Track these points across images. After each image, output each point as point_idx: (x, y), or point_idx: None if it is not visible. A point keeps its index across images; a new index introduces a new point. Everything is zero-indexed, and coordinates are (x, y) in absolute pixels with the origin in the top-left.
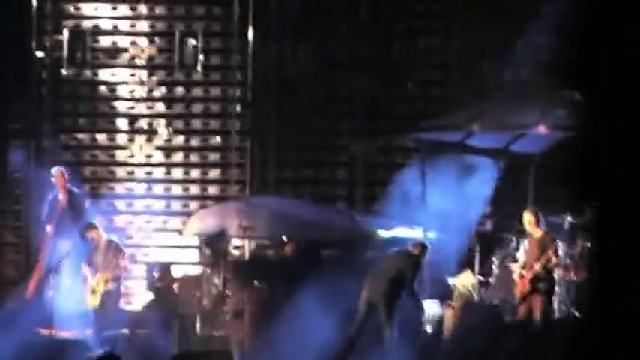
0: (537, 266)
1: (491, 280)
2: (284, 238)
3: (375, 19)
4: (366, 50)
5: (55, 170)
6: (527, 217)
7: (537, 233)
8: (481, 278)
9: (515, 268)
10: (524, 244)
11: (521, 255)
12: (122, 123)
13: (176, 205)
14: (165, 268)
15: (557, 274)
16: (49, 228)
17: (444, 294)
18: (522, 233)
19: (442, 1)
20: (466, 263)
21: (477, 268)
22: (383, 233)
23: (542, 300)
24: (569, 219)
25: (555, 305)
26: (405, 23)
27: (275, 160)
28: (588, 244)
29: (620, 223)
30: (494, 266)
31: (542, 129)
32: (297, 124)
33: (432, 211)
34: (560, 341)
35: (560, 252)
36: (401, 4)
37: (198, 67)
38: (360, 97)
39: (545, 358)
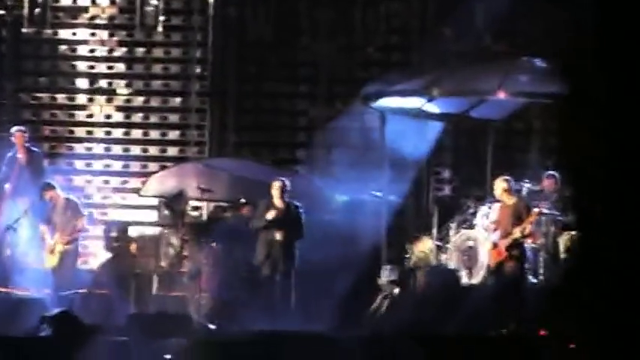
0: (515, 234)
1: (449, 245)
2: (242, 200)
3: None
4: (326, 15)
5: (14, 129)
6: (501, 185)
7: (510, 201)
8: (439, 243)
9: (484, 235)
10: (494, 211)
11: (488, 222)
12: (82, 82)
13: (135, 166)
14: (123, 228)
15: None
16: (6, 186)
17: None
18: (480, 199)
19: None
20: (423, 228)
21: (434, 233)
22: (341, 196)
23: (517, 266)
24: (528, 185)
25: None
26: None
27: (234, 123)
28: (546, 211)
29: (580, 189)
30: (451, 232)
31: (501, 95)
32: (256, 87)
33: (390, 175)
34: (533, 305)
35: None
36: None
37: (159, 28)
38: (320, 62)
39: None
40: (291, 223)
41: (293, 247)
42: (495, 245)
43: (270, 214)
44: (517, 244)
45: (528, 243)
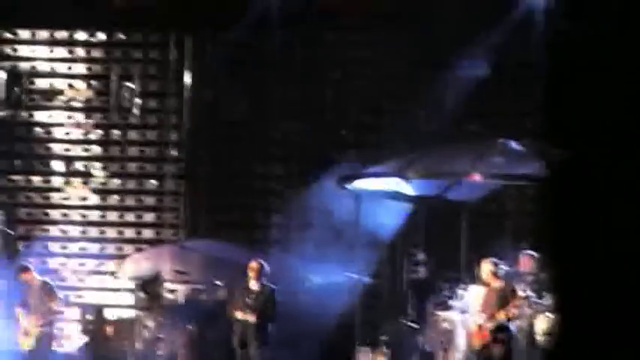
0: (501, 316)
1: (424, 326)
2: (217, 282)
3: (308, 64)
4: (299, 95)
5: None
6: (487, 268)
7: (496, 283)
8: (414, 325)
9: (461, 317)
10: (479, 293)
11: (472, 304)
12: (58, 165)
13: (111, 248)
14: (98, 310)
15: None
16: None
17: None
18: (455, 281)
19: (374, 47)
20: (398, 309)
21: (409, 314)
22: (316, 278)
23: (503, 350)
24: (502, 267)
25: None
26: (338, 69)
27: (209, 204)
28: (524, 293)
29: (558, 272)
30: (427, 314)
31: (476, 177)
32: (231, 169)
33: (365, 255)
34: None
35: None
36: (334, 50)
37: (135, 111)
38: (294, 142)
39: None
40: (265, 305)
41: (266, 330)
42: (480, 327)
43: (246, 297)
44: (502, 327)
45: (514, 326)
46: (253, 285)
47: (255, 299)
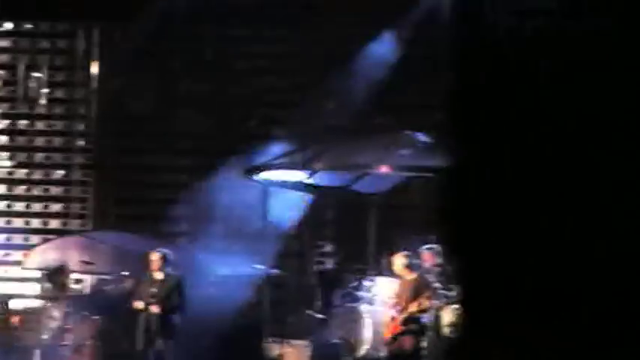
0: (413, 308)
1: (331, 318)
2: (124, 273)
3: (217, 57)
4: (208, 88)
5: None
6: (400, 261)
7: (409, 276)
8: (321, 317)
9: (368, 309)
10: (392, 286)
11: (384, 297)
12: None
13: (17, 238)
14: (4, 301)
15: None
16: None
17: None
18: (362, 273)
19: (283, 42)
20: (306, 302)
21: (317, 306)
22: (223, 270)
23: (413, 341)
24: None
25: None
26: (246, 62)
27: (117, 195)
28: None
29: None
30: (334, 305)
31: (383, 169)
32: (138, 160)
33: (272, 248)
34: None
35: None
36: (243, 43)
37: (42, 101)
38: (202, 135)
39: None
40: (170, 295)
41: (172, 322)
42: (393, 319)
43: (149, 287)
44: (413, 319)
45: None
46: (157, 275)
47: (159, 289)
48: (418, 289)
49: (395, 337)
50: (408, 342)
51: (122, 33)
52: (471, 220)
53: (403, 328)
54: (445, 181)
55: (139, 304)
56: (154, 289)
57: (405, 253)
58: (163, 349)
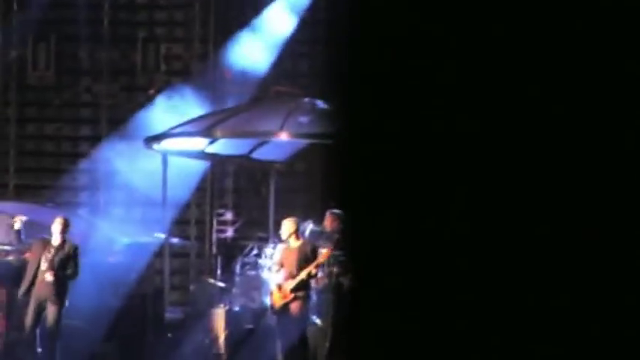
0: (302, 275)
1: (232, 286)
2: (24, 243)
3: (117, 25)
4: (107, 56)
5: None
6: (288, 227)
7: (296, 243)
8: (222, 285)
9: (270, 276)
10: (278, 252)
11: (272, 263)
12: None
13: None
14: None
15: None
16: None
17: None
18: (264, 241)
19: (182, 8)
20: (207, 270)
21: (218, 274)
22: (123, 239)
23: (301, 307)
24: (310, 226)
25: None
26: (146, 30)
27: (16, 165)
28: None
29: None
30: (235, 273)
31: (283, 136)
32: (38, 130)
33: (172, 217)
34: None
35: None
36: (143, 11)
37: None
38: (102, 104)
39: None
40: (66, 261)
41: (66, 287)
42: (280, 287)
43: (48, 251)
44: (303, 286)
45: (314, 284)
46: (55, 240)
47: (55, 255)
48: (306, 255)
49: (285, 305)
50: (296, 309)
51: (20, 1)
52: (358, 187)
53: (292, 295)
54: (333, 149)
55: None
56: (49, 254)
57: (293, 219)
58: (57, 316)
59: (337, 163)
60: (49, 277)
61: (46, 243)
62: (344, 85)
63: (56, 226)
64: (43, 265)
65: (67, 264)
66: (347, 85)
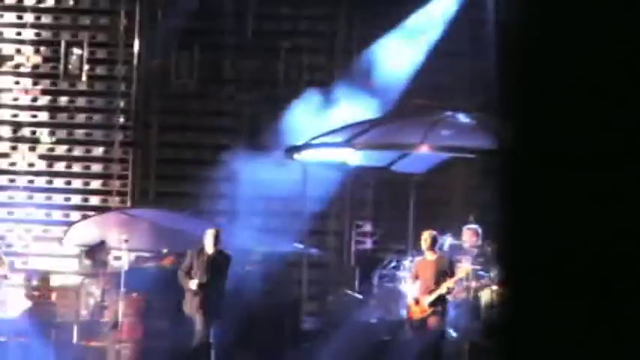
0: (442, 290)
1: (370, 298)
2: (164, 250)
3: (260, 35)
4: (250, 66)
5: None
6: (427, 239)
7: (433, 256)
8: (359, 296)
9: (408, 289)
10: (415, 265)
11: (409, 276)
12: (5, 130)
13: (57, 214)
14: (44, 277)
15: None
16: None
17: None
18: (402, 253)
19: (327, 20)
20: (345, 281)
21: (355, 285)
22: (263, 248)
23: (438, 321)
24: (449, 240)
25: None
26: (289, 40)
27: (157, 173)
28: (473, 268)
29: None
30: (373, 285)
31: (424, 149)
32: (179, 138)
33: (311, 227)
34: None
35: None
36: (285, 21)
37: (83, 77)
38: (243, 113)
39: None
40: (219, 271)
41: (220, 296)
42: (417, 301)
43: (201, 262)
44: (440, 300)
45: (450, 298)
46: (210, 250)
47: (208, 264)
48: (443, 269)
49: (422, 319)
50: (433, 323)
51: (164, 9)
52: (516, 204)
53: (430, 309)
54: (492, 163)
55: (189, 281)
56: (205, 264)
57: (432, 232)
58: (208, 326)
59: (502, 178)
60: (206, 284)
61: (200, 253)
62: (514, 96)
63: (209, 237)
64: (198, 274)
65: (220, 273)
66: (518, 97)
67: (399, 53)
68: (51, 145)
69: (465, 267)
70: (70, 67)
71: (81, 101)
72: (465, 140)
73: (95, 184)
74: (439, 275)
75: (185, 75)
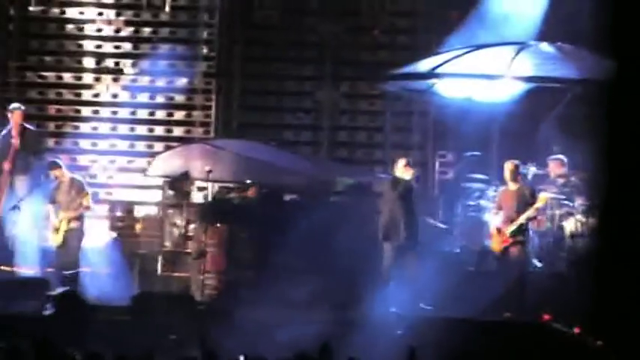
0: (522, 219)
1: (454, 228)
2: (247, 181)
3: None
4: None
5: (12, 106)
6: (509, 169)
7: (515, 186)
8: (443, 226)
9: (491, 219)
10: (498, 195)
11: (492, 205)
12: (89, 62)
13: (140, 146)
14: (128, 208)
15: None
16: (5, 165)
17: None
18: (486, 183)
19: None
20: (428, 211)
21: (439, 215)
22: (346, 179)
23: (521, 251)
24: (533, 169)
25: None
26: None
27: (240, 104)
28: (554, 196)
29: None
30: (457, 215)
31: (509, 78)
32: (262, 69)
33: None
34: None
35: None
36: None
37: (166, 8)
38: (326, 44)
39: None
40: (410, 196)
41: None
42: (499, 230)
43: (400, 188)
44: (522, 230)
45: (533, 227)
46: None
47: (405, 189)
48: (525, 199)
49: (505, 249)
50: (516, 252)
51: None
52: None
53: (511, 239)
54: (584, 93)
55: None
56: (402, 190)
57: (514, 161)
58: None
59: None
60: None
61: (394, 183)
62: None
63: (401, 167)
64: (397, 200)
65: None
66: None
67: None
68: (134, 76)
69: (543, 195)
70: None
71: (164, 32)
72: (551, 70)
73: (178, 115)
74: (521, 205)
75: (268, 5)
